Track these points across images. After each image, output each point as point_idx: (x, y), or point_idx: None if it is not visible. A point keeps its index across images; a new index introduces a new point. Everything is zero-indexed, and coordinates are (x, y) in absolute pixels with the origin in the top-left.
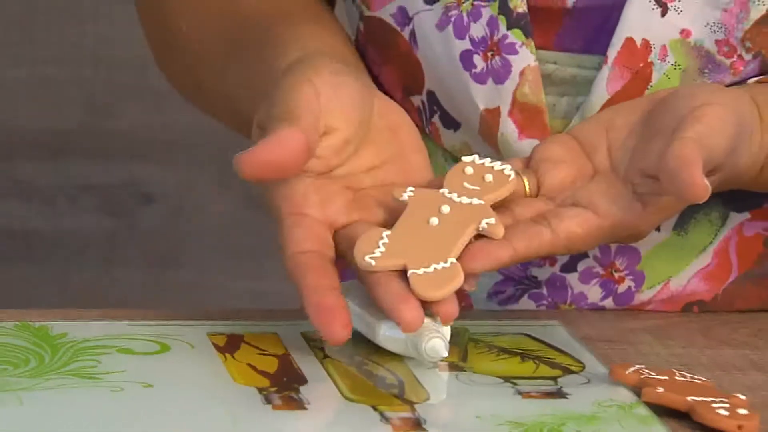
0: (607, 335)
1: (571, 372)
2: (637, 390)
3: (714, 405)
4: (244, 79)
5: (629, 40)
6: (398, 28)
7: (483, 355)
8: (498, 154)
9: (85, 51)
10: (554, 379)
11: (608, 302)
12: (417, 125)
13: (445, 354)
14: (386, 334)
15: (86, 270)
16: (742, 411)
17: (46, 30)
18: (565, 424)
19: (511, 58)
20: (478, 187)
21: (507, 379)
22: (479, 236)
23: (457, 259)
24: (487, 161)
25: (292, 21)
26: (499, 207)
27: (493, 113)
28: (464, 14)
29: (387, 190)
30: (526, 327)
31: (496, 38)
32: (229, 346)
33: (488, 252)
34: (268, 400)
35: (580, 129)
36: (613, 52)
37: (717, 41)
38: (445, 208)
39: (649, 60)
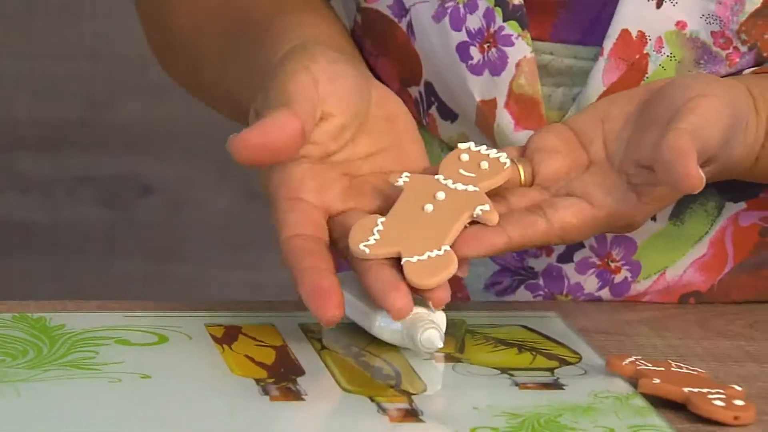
0: (603, 327)
1: (568, 363)
2: (633, 381)
3: (710, 396)
4: (244, 75)
5: (625, 32)
6: (395, 20)
7: (480, 347)
8: (494, 146)
9: (83, 46)
10: (551, 370)
11: (605, 292)
12: (414, 116)
13: (441, 345)
14: (382, 325)
15: (85, 262)
16: (738, 402)
17: (45, 26)
18: (562, 415)
19: (507, 49)
20: (473, 174)
21: (504, 370)
22: (474, 223)
23: (451, 247)
24: (482, 149)
25: (290, 13)
26: (493, 195)
27: (490, 104)
28: (461, 6)
29: (384, 177)
30: (522, 318)
31: (492, 30)
32: (227, 337)
33: (482, 238)
34: (265, 392)
35: (575, 119)
36: (608, 44)
37: (713, 33)
38: (440, 195)
39: (645, 51)
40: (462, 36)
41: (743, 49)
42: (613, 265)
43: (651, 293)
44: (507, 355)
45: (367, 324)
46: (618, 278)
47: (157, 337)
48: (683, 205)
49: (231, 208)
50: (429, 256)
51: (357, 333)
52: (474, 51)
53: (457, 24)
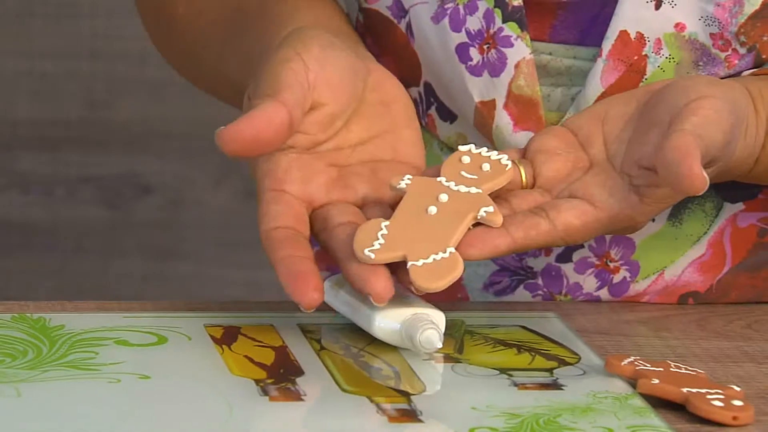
0: (602, 327)
1: (567, 364)
2: (632, 381)
3: (709, 396)
4: (243, 61)
5: (623, 33)
6: (394, 20)
7: (479, 347)
8: (493, 147)
9: (83, 46)
10: (550, 370)
11: (603, 292)
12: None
13: (440, 345)
14: (381, 325)
15: (85, 261)
16: (737, 402)
17: (44, 25)
18: (561, 416)
19: (506, 50)
20: (475, 176)
21: (503, 370)
22: (477, 225)
23: (455, 249)
24: (483, 151)
25: None
26: (496, 198)
27: (489, 105)
28: (460, 7)
29: (373, 166)
30: (521, 319)
31: (491, 31)
32: (226, 337)
33: (486, 240)
34: (264, 392)
35: (575, 121)
36: (607, 45)
37: (711, 35)
38: (443, 197)
39: (644, 53)
40: (462, 37)
41: (742, 51)
42: (611, 265)
43: (650, 294)
44: (506, 355)
45: (366, 324)
46: (617, 278)
47: (157, 337)
48: (681, 206)
49: (230, 207)
50: (434, 259)
51: (356, 333)
52: (473, 52)
53: (456, 25)
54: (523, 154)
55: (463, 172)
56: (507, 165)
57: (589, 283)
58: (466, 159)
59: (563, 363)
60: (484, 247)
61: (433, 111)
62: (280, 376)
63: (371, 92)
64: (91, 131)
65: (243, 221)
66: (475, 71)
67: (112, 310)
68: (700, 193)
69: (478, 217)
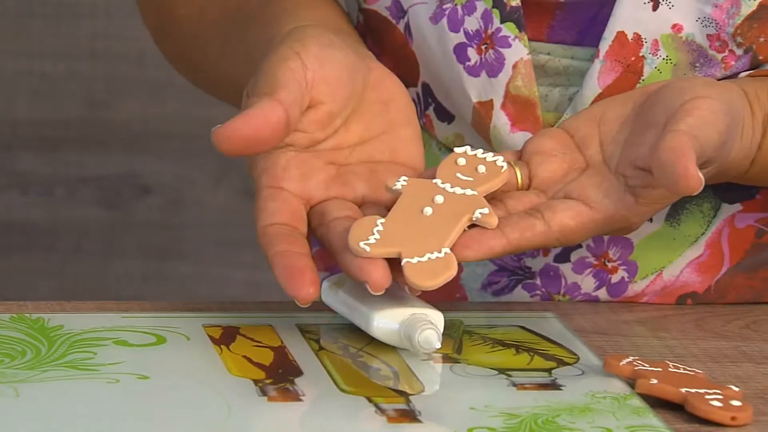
0: (601, 327)
1: (566, 364)
2: (630, 381)
3: (707, 396)
4: (243, 59)
5: (621, 34)
6: (393, 21)
7: (477, 347)
8: (490, 147)
9: (82, 46)
10: (548, 370)
11: (602, 292)
12: None
13: (438, 345)
14: (380, 326)
15: (84, 261)
16: (736, 402)
17: (44, 26)
18: (560, 416)
19: (504, 51)
20: (471, 178)
21: (501, 370)
22: (472, 226)
23: (451, 249)
24: (479, 152)
25: None
26: (491, 199)
27: (486, 106)
28: (459, 7)
29: (372, 167)
30: (520, 319)
31: (489, 31)
32: (225, 338)
33: (481, 241)
34: (263, 392)
35: (572, 122)
36: (604, 46)
37: (708, 36)
38: (439, 198)
39: (641, 54)
40: (460, 37)
41: (739, 52)
42: (609, 265)
43: (648, 294)
44: (504, 355)
45: (365, 324)
46: (615, 278)
47: (155, 337)
48: (679, 206)
49: (229, 207)
50: (429, 257)
51: (355, 334)
52: (471, 52)
53: (455, 25)
54: (519, 156)
55: (458, 174)
56: (502, 167)
57: (587, 283)
58: (461, 161)
59: (562, 363)
60: (479, 248)
61: (431, 111)
62: (279, 377)
63: (371, 91)
64: (91, 131)
65: (243, 221)
66: (473, 71)
67: (111, 311)
68: (695, 194)
69: (473, 219)
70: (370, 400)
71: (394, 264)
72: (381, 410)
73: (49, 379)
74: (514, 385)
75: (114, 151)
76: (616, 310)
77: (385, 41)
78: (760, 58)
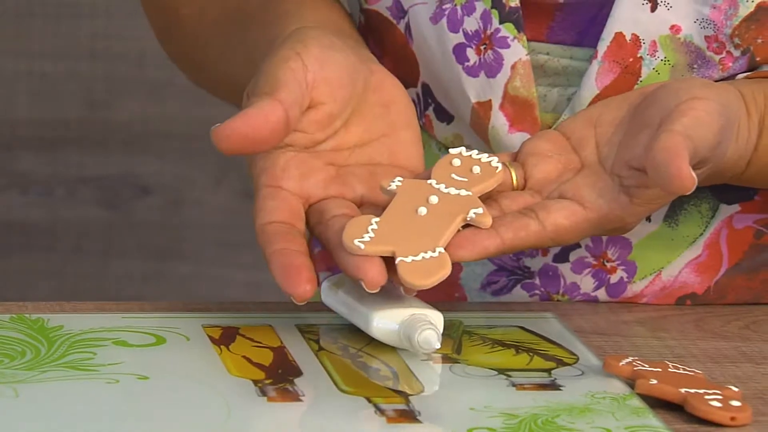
0: (600, 327)
1: (565, 364)
2: (630, 382)
3: (707, 397)
4: (245, 60)
5: (619, 35)
6: (394, 21)
7: (477, 347)
8: (488, 147)
9: (82, 46)
10: (548, 371)
11: (601, 293)
12: None
13: (438, 345)
14: (379, 326)
15: (84, 261)
16: (735, 402)
17: (43, 26)
18: (559, 416)
19: (503, 51)
20: (465, 179)
21: (501, 371)
22: (467, 226)
23: (445, 249)
24: (474, 153)
25: None
26: (486, 199)
27: (485, 106)
28: (458, 8)
29: (371, 169)
30: (519, 319)
31: (488, 32)
32: (225, 338)
33: (475, 241)
34: (263, 392)
35: (568, 124)
36: (602, 47)
37: (707, 37)
38: (433, 199)
39: (639, 55)
40: (459, 38)
41: (736, 53)
42: (608, 265)
43: (648, 295)
44: (504, 356)
45: (364, 325)
46: (614, 278)
47: (155, 338)
48: (677, 207)
49: (229, 207)
50: (423, 257)
51: (354, 334)
52: (470, 53)
53: (454, 26)
54: (515, 158)
55: (453, 175)
56: (497, 167)
57: (586, 283)
58: (456, 162)
59: (561, 363)
60: (473, 248)
61: (430, 112)
62: (279, 377)
63: (372, 93)
64: (91, 131)
65: (243, 222)
66: (472, 72)
67: (111, 311)
68: (689, 193)
69: (468, 219)
70: (369, 401)
71: (389, 263)
72: (380, 410)
73: (48, 380)
74: (514, 385)
75: (114, 151)
76: (616, 310)
77: (385, 42)
78: (758, 59)
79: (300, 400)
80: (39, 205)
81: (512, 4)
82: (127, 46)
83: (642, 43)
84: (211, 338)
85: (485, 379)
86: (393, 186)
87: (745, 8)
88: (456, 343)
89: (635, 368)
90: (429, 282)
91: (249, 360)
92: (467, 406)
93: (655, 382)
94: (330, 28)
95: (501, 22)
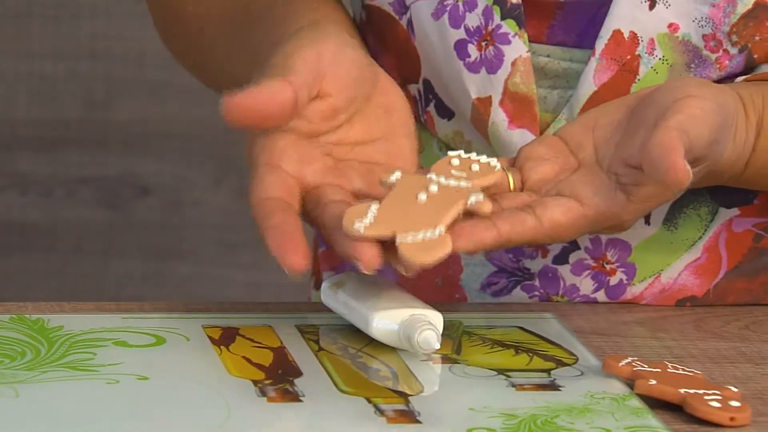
0: (600, 328)
1: (565, 364)
2: (629, 382)
3: (706, 397)
4: (248, 59)
5: (617, 33)
6: (396, 17)
7: (476, 348)
8: (488, 144)
9: (82, 46)
10: (548, 371)
11: (600, 295)
12: (414, 114)
13: (437, 346)
14: (379, 326)
15: (83, 262)
16: (734, 403)
17: (43, 26)
18: (559, 416)
19: (504, 47)
20: (464, 174)
21: (500, 371)
22: (467, 216)
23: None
24: (473, 155)
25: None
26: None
27: (485, 102)
28: (460, 4)
29: (369, 167)
30: (519, 320)
31: (490, 28)
32: (225, 338)
33: (473, 233)
34: (263, 393)
35: (566, 129)
36: (600, 44)
37: (704, 36)
38: (433, 188)
39: (637, 53)
40: (460, 33)
41: (733, 51)
42: (608, 266)
43: (647, 297)
44: (504, 356)
45: (364, 325)
46: (613, 280)
47: (155, 338)
48: (676, 210)
49: (229, 207)
50: (424, 237)
51: (354, 334)
52: (472, 49)
53: (456, 22)
54: (512, 163)
55: (452, 171)
56: (496, 166)
57: (585, 284)
58: (455, 161)
59: (561, 364)
60: (470, 239)
61: (431, 108)
62: (279, 377)
63: (377, 96)
64: (91, 132)
65: (242, 221)
66: (473, 68)
67: (111, 311)
68: (683, 187)
69: (468, 204)
70: (369, 401)
71: (390, 248)
72: (380, 411)
73: (48, 380)
74: (513, 385)
75: (113, 152)
76: (615, 310)
77: (387, 37)
78: (755, 56)
79: (300, 401)
80: (39, 205)
81: (514, 1)
82: (127, 47)
83: (640, 41)
84: (211, 339)
85: (485, 379)
86: (392, 178)
87: (743, 5)
88: (456, 343)
89: (635, 369)
90: (430, 259)
91: (249, 360)
92: (467, 407)
93: (654, 382)
94: (339, 26)
95: (502, 19)
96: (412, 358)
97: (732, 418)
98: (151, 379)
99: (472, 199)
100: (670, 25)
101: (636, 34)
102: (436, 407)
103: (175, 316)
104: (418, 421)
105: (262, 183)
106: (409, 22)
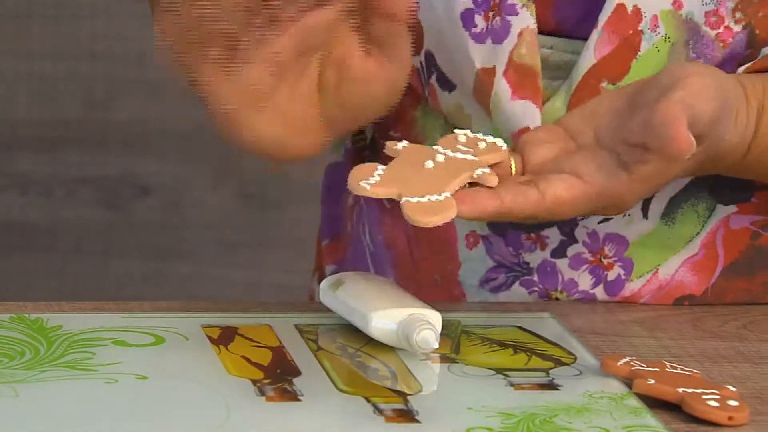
0: (598, 327)
1: (563, 364)
2: (628, 381)
3: (704, 396)
4: None
5: (620, 6)
6: None
7: (475, 347)
8: (488, 116)
9: (82, 46)
10: (546, 370)
11: (599, 290)
12: (416, 86)
13: (436, 345)
14: (378, 326)
15: (83, 262)
16: (732, 402)
17: (43, 26)
18: (557, 416)
19: (510, 18)
20: (471, 150)
21: (499, 370)
22: (472, 185)
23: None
24: (479, 135)
25: None
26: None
27: (489, 72)
28: None
29: None
30: (518, 319)
31: None
32: (224, 338)
33: (476, 199)
34: (261, 392)
35: (566, 118)
36: (603, 17)
37: (706, 13)
38: (440, 158)
39: (639, 28)
40: (467, 3)
41: (736, 28)
42: (605, 261)
43: (646, 295)
44: (502, 355)
45: (363, 325)
46: (611, 275)
47: (154, 338)
48: (674, 205)
49: (228, 207)
50: (429, 199)
51: (353, 334)
52: (478, 19)
53: None
54: (513, 148)
55: (459, 147)
56: (502, 146)
57: (584, 279)
58: (462, 138)
59: (559, 363)
60: (472, 204)
61: (433, 80)
62: (277, 377)
63: None
64: (90, 132)
65: (242, 221)
66: (479, 38)
67: (110, 311)
68: (687, 157)
69: (474, 176)
70: (368, 400)
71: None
72: (379, 410)
73: (47, 380)
74: (512, 385)
75: (113, 152)
76: (613, 310)
77: None
78: (757, 32)
79: (299, 400)
80: (39, 205)
81: None
82: (127, 47)
83: (643, 16)
84: (210, 338)
85: (483, 378)
86: (399, 146)
87: None
88: (454, 342)
89: (633, 368)
90: (434, 220)
91: (248, 360)
92: (465, 406)
93: (652, 381)
94: None
95: None
96: (411, 357)
97: (730, 418)
98: (150, 379)
99: (479, 171)
100: (674, 2)
101: (639, 8)
102: (434, 406)
103: (174, 315)
104: (417, 421)
105: None
106: None
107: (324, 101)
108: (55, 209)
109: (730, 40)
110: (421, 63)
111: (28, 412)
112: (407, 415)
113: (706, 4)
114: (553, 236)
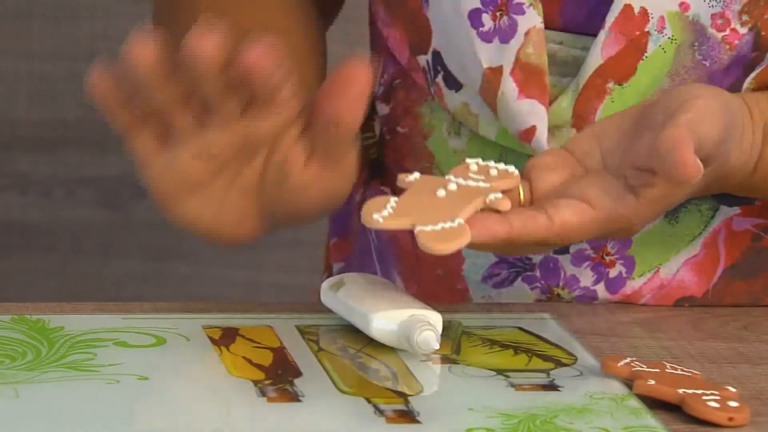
0: (598, 328)
1: (564, 365)
2: (628, 382)
3: (704, 397)
4: None
5: (627, 7)
6: None
7: (476, 348)
8: (495, 117)
9: (81, 47)
10: (547, 371)
11: (600, 288)
12: (423, 85)
13: (437, 346)
14: (378, 327)
15: (83, 262)
16: (733, 403)
17: (43, 26)
18: (558, 417)
19: (518, 17)
20: (483, 177)
21: (500, 371)
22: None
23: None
24: (491, 163)
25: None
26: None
27: (496, 72)
28: None
29: None
30: (518, 320)
31: None
32: (225, 338)
33: (486, 224)
34: (262, 393)
35: (573, 141)
36: (611, 18)
37: (713, 15)
38: (452, 186)
39: (646, 29)
40: (475, 2)
41: (742, 30)
42: (607, 258)
43: (647, 294)
44: (503, 356)
45: (364, 326)
46: (613, 273)
47: (155, 338)
48: (679, 204)
49: None
50: (443, 227)
51: (354, 335)
52: (486, 18)
53: None
54: (521, 176)
55: (471, 174)
56: (514, 172)
57: (585, 276)
58: (473, 167)
59: (560, 364)
60: (482, 229)
61: (440, 79)
62: (278, 377)
63: None
64: (90, 132)
65: None
66: (486, 37)
67: (111, 312)
68: (694, 181)
69: (487, 201)
70: (369, 401)
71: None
72: (380, 411)
73: (49, 380)
74: (513, 385)
75: (113, 152)
76: (614, 311)
77: (399, 7)
78: (763, 34)
79: (299, 401)
80: (38, 205)
81: None
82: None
83: (650, 18)
84: (211, 339)
85: (484, 379)
86: (411, 178)
87: None
88: (455, 343)
89: (633, 369)
90: (448, 248)
91: (249, 360)
92: (466, 407)
93: (653, 382)
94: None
95: None
96: (412, 358)
97: (730, 418)
98: (151, 380)
99: (491, 196)
100: (681, 4)
101: (646, 10)
102: (435, 407)
103: (175, 316)
104: (418, 421)
105: None
106: None
107: (262, 197)
108: (55, 209)
109: (736, 42)
110: (427, 62)
111: (30, 413)
112: (408, 416)
113: (712, 6)
114: None
